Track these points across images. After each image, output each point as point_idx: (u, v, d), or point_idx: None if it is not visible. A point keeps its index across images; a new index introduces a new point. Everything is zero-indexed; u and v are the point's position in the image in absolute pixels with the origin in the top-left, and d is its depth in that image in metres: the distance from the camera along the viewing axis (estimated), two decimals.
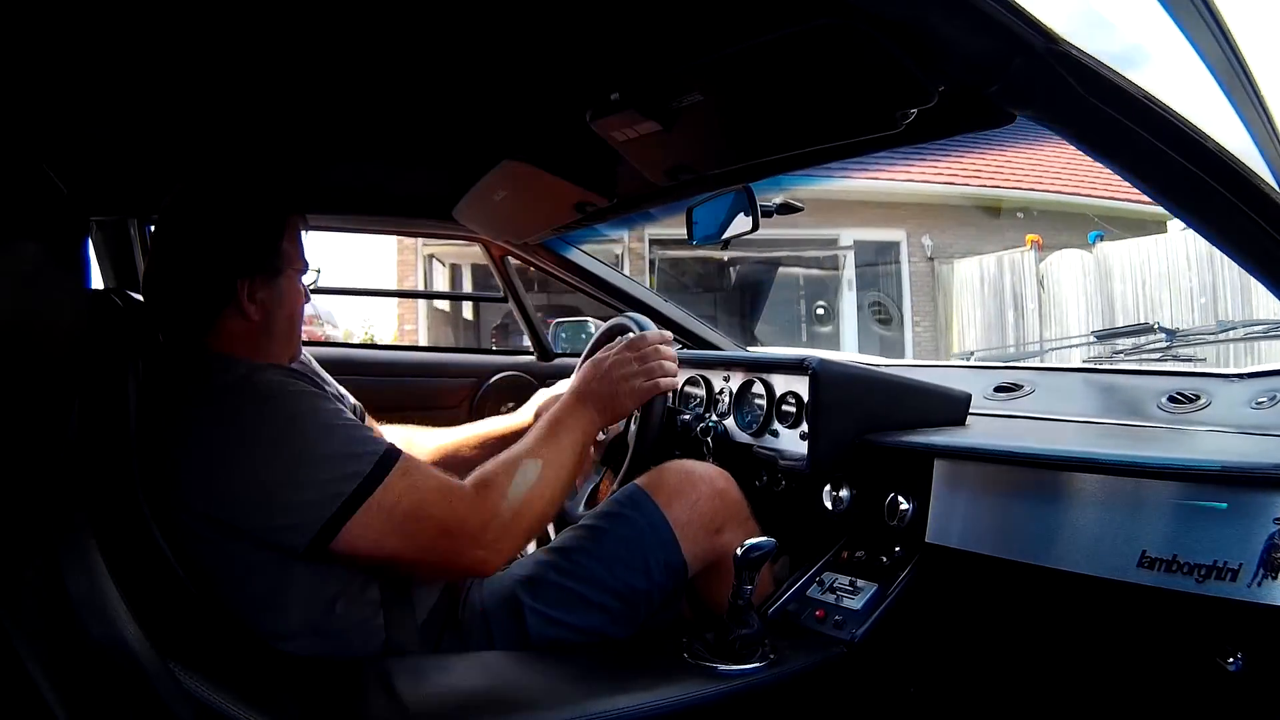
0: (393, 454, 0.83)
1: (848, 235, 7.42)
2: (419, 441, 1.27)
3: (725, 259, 7.42)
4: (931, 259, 7.31)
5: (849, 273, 7.48)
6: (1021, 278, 6.47)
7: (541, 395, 1.34)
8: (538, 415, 1.29)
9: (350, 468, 0.81)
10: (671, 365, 1.05)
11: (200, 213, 0.93)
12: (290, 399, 0.85)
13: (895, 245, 7.44)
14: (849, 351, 6.52)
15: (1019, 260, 6.48)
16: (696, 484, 1.03)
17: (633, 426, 1.22)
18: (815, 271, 7.66)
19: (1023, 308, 6.42)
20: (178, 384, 0.87)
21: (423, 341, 7.17)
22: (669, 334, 1.10)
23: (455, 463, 1.21)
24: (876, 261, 7.57)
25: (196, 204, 0.93)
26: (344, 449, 0.82)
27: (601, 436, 1.28)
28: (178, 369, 0.89)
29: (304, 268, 0.98)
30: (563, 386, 1.29)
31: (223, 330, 0.91)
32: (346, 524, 0.80)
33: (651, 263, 7.26)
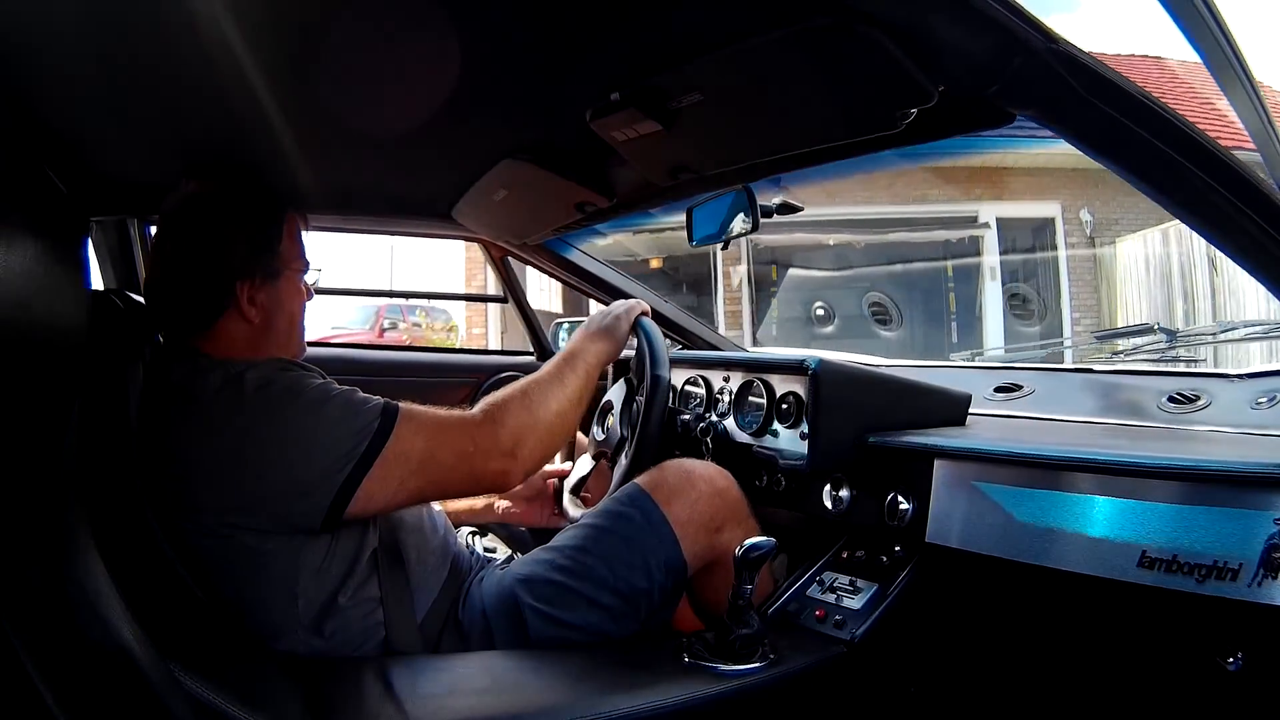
0: (392, 406, 0.87)
1: (988, 211, 5.91)
2: None
3: (849, 244, 6.19)
4: (1092, 238, 5.82)
5: (991, 258, 6.02)
6: (1190, 259, 5.03)
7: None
8: None
9: (357, 426, 0.84)
10: (639, 304, 1.21)
11: (199, 215, 0.94)
12: (282, 381, 0.86)
13: (1048, 223, 5.92)
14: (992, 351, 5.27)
15: (1187, 233, 4.77)
16: (696, 483, 1.03)
17: (624, 419, 1.22)
18: (938, 263, 6.18)
19: (1193, 296, 5.00)
20: (178, 389, 0.87)
21: (493, 346, 7.14)
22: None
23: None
24: (1024, 246, 6.04)
25: (195, 206, 0.94)
26: (345, 413, 0.85)
27: (602, 435, 1.28)
28: (178, 373, 0.89)
29: (304, 268, 0.99)
30: None
31: (222, 332, 0.92)
32: (362, 482, 0.83)
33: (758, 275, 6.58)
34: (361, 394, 0.89)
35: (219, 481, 0.82)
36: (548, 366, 1.04)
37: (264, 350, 0.93)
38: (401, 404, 0.89)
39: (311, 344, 1.11)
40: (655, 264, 6.85)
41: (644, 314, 1.19)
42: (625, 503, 1.01)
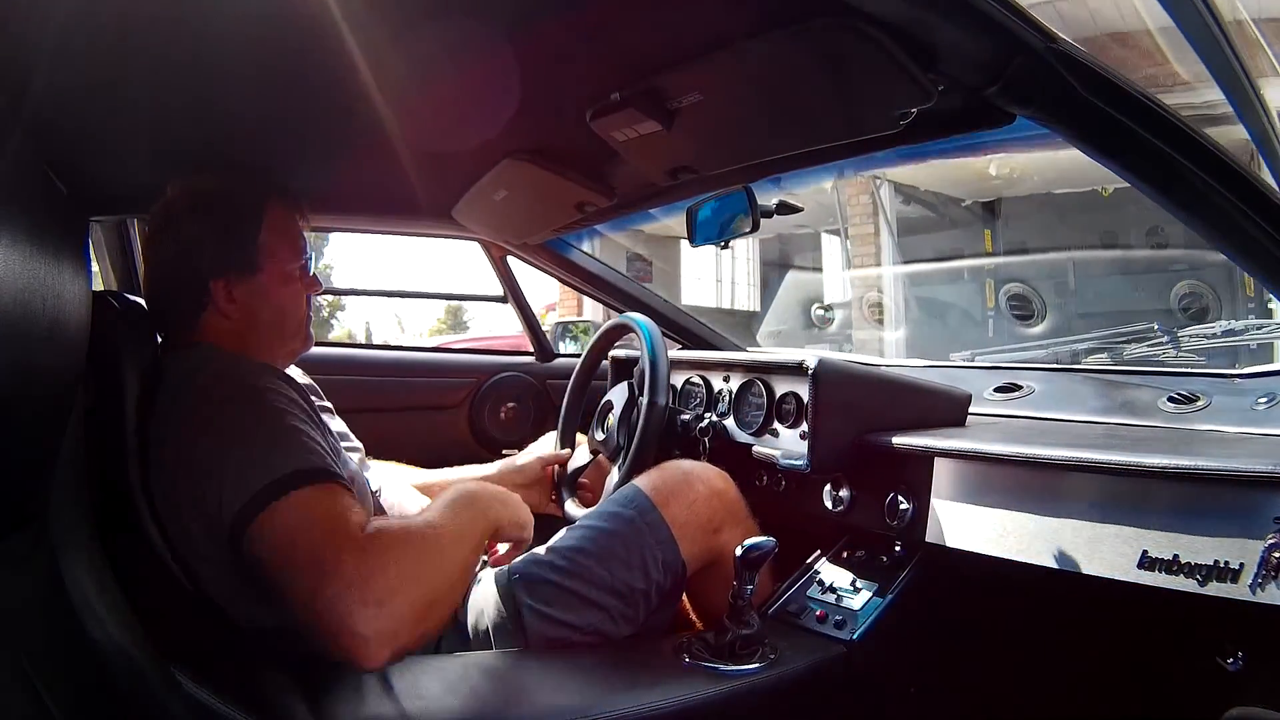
0: (317, 473, 0.77)
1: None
2: (401, 478, 1.24)
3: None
4: None
5: None
6: None
7: (545, 441, 1.34)
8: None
9: (270, 465, 0.76)
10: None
11: (170, 216, 0.95)
12: (260, 395, 0.84)
13: None
14: None
15: None
16: (694, 484, 1.03)
17: (623, 424, 1.23)
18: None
19: None
20: (167, 382, 0.87)
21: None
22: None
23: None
24: None
25: (169, 207, 0.95)
26: (273, 448, 0.78)
27: (601, 435, 1.28)
28: (169, 367, 0.89)
29: (296, 262, 0.98)
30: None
31: (208, 328, 0.93)
32: (253, 520, 0.75)
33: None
34: (310, 444, 0.80)
35: (179, 470, 0.81)
36: (446, 511, 0.84)
37: (253, 345, 0.93)
38: (333, 484, 0.78)
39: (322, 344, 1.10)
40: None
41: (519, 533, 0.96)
42: (624, 504, 1.01)
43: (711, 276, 8.42)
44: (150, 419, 0.85)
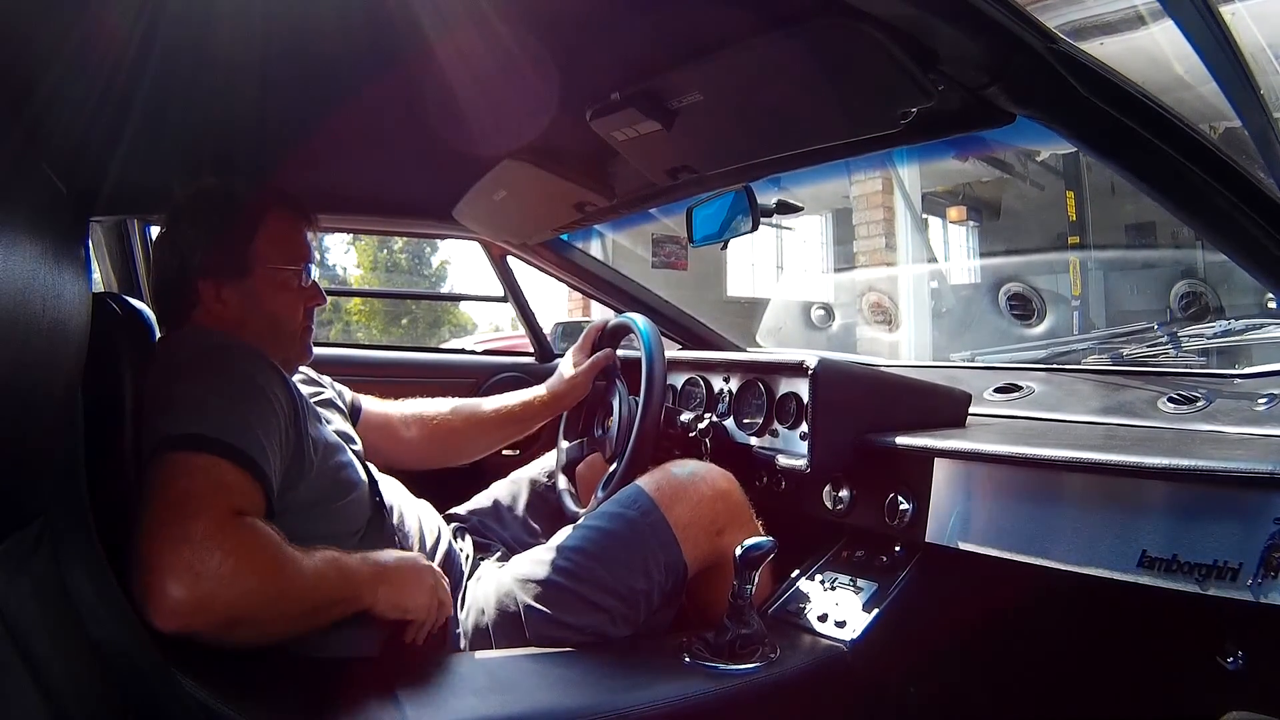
0: (229, 448, 0.76)
1: None
2: (426, 413, 1.30)
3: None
4: None
5: None
6: None
7: (566, 366, 1.34)
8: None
9: (193, 420, 0.76)
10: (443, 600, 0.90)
11: (176, 216, 0.96)
12: (234, 367, 0.84)
13: None
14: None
15: None
16: (699, 485, 1.03)
17: (623, 415, 1.22)
18: None
19: None
20: (158, 359, 0.88)
21: None
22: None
23: (477, 421, 1.29)
24: None
25: (176, 207, 0.97)
26: (204, 409, 0.78)
27: (599, 434, 1.28)
28: (162, 348, 0.91)
29: (294, 267, 0.98)
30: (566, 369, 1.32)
31: (201, 321, 0.94)
32: (153, 458, 0.75)
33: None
34: (245, 424, 0.79)
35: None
36: (332, 569, 0.80)
37: (242, 336, 0.93)
38: (227, 460, 0.75)
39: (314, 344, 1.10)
40: None
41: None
42: (626, 505, 1.01)
43: (771, 262, 7.61)
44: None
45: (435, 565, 0.92)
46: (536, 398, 1.31)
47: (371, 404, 1.25)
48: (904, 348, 4.33)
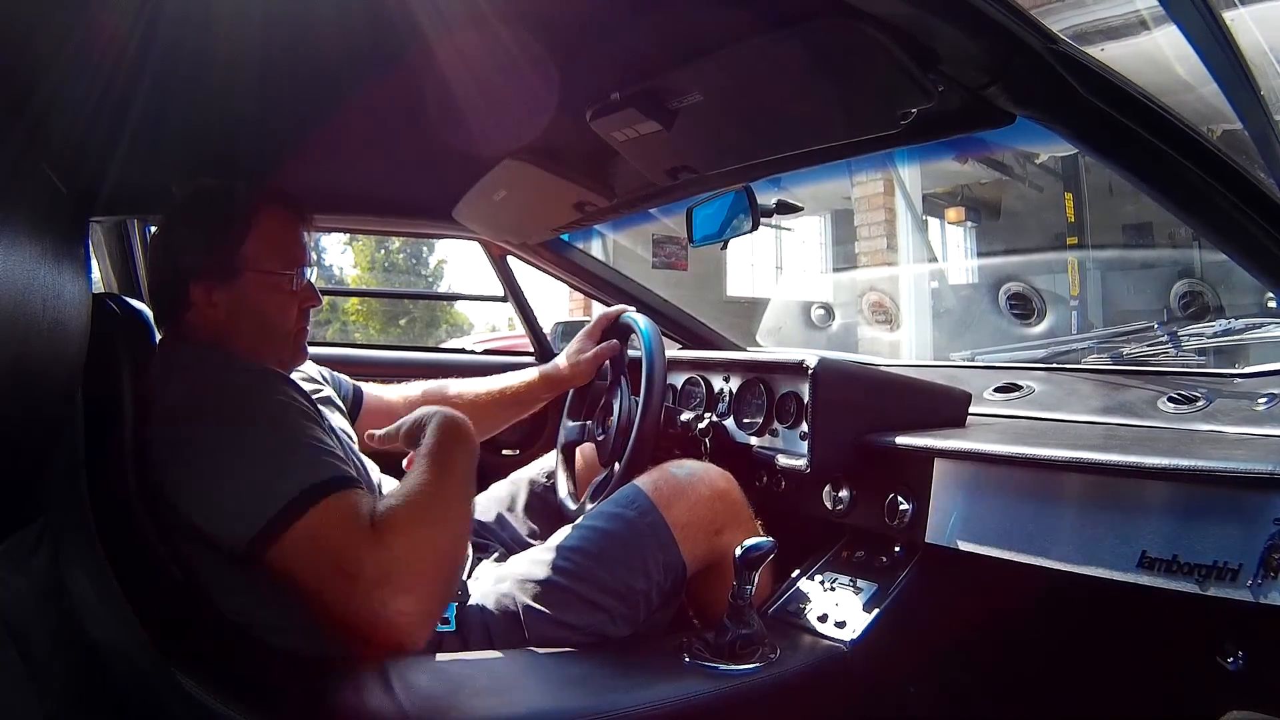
0: (325, 485, 0.78)
1: None
2: (450, 393, 1.33)
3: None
4: None
5: None
6: None
7: (577, 346, 1.35)
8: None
9: (280, 489, 0.77)
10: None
11: (170, 216, 0.96)
12: (255, 402, 0.83)
13: None
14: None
15: None
16: (697, 485, 1.03)
17: (622, 414, 1.22)
18: None
19: None
20: (164, 381, 0.87)
21: None
22: None
23: (478, 403, 1.31)
24: None
25: (172, 208, 0.97)
26: (279, 467, 0.78)
27: (601, 435, 1.28)
28: (164, 365, 0.90)
29: (286, 272, 0.96)
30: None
31: (194, 326, 0.94)
32: (270, 547, 0.76)
33: None
34: (317, 453, 0.80)
35: (178, 474, 0.81)
36: (431, 468, 0.84)
37: (239, 345, 0.93)
38: (330, 494, 0.77)
39: (312, 344, 1.10)
40: None
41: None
42: (625, 504, 1.01)
43: (771, 263, 7.65)
44: (148, 419, 0.85)
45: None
46: (538, 377, 1.34)
47: (372, 389, 1.27)
48: (905, 347, 4.35)
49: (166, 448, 0.82)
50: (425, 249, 12.47)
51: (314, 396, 1.07)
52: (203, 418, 0.82)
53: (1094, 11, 3.46)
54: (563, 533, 1.03)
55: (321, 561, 0.75)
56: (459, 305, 12.58)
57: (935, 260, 5.34)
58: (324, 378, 1.19)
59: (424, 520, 0.79)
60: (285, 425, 0.82)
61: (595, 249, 5.85)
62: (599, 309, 1.43)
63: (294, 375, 1.01)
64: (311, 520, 0.76)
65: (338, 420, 1.07)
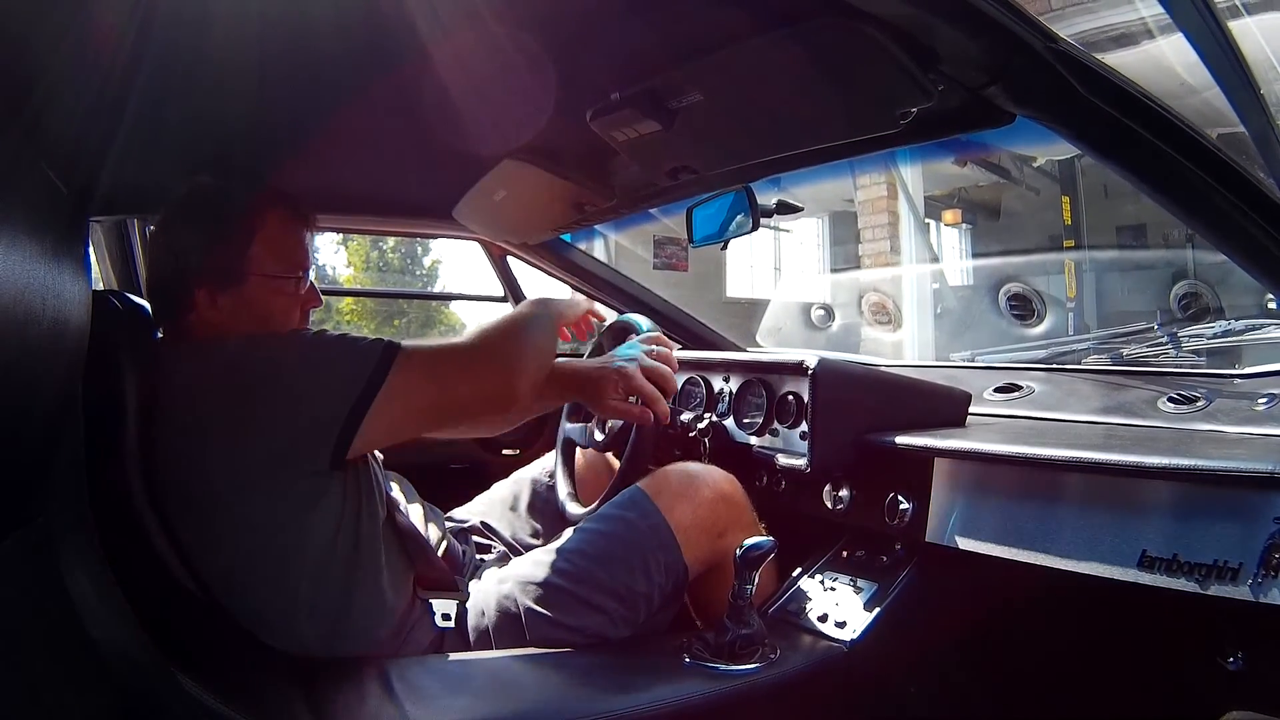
0: (393, 342, 0.89)
1: None
2: None
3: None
4: None
5: None
6: None
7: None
8: None
9: (357, 361, 0.86)
10: (667, 381, 1.08)
11: (166, 219, 0.96)
12: (283, 341, 0.91)
13: None
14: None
15: None
16: (700, 488, 1.03)
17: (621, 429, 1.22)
18: None
19: None
20: (176, 377, 0.87)
21: None
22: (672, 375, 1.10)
23: None
24: None
25: (172, 207, 0.96)
26: (343, 351, 0.88)
27: (601, 436, 1.28)
28: (173, 363, 0.90)
29: (290, 275, 0.96)
30: None
31: (198, 327, 0.93)
32: (366, 415, 0.85)
33: None
34: (358, 335, 0.91)
35: (228, 438, 0.83)
36: (520, 310, 1.07)
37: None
38: (404, 341, 0.90)
39: None
40: None
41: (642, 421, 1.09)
42: (626, 506, 1.01)
43: (769, 264, 7.74)
44: (156, 419, 0.85)
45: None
46: None
47: None
48: (907, 348, 4.40)
49: (202, 433, 0.84)
50: (420, 248, 12.44)
51: None
52: (243, 380, 0.86)
53: (1102, 15, 3.48)
54: (565, 534, 1.03)
55: (445, 390, 0.91)
56: (452, 305, 12.58)
57: (937, 261, 5.39)
58: None
59: (509, 331, 0.99)
60: (320, 333, 0.92)
61: (598, 249, 5.88)
62: (603, 310, 1.43)
63: None
64: (401, 377, 0.87)
65: None
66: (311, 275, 1.01)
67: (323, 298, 1.03)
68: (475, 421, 1.16)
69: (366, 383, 0.85)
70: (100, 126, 0.80)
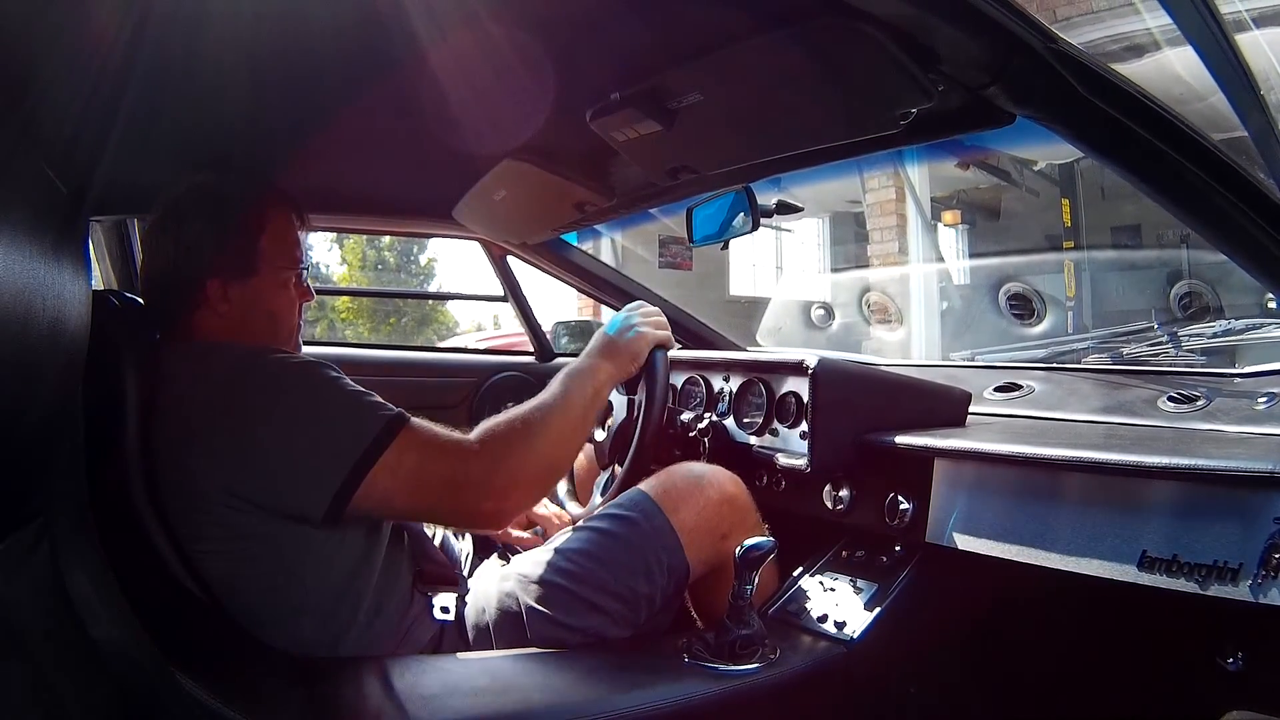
0: (400, 417, 0.86)
1: None
2: None
3: None
4: None
5: None
6: None
7: None
8: None
9: (359, 430, 0.84)
10: (665, 325, 1.11)
11: (171, 214, 0.95)
12: (296, 371, 0.87)
13: None
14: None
15: None
16: (705, 490, 1.03)
17: (622, 430, 1.22)
18: None
19: None
20: (178, 379, 0.87)
21: None
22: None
23: None
24: None
25: (170, 206, 0.95)
26: (352, 413, 0.85)
27: (602, 435, 1.28)
28: (175, 363, 0.89)
29: (295, 267, 0.98)
30: None
31: (202, 325, 0.94)
32: (359, 486, 0.82)
33: None
34: (374, 398, 0.88)
35: (226, 457, 0.82)
36: (553, 388, 0.96)
37: (243, 340, 0.93)
38: (412, 419, 0.87)
39: (310, 343, 1.10)
40: None
41: (663, 345, 1.09)
42: (630, 507, 1.01)
43: (771, 263, 7.81)
44: (157, 418, 0.85)
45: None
46: None
47: None
48: (915, 347, 4.51)
49: (203, 442, 0.83)
50: (416, 246, 12.43)
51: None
52: (248, 398, 0.84)
53: (1112, 25, 3.50)
54: (566, 533, 1.03)
55: (423, 484, 0.85)
56: (447, 304, 12.56)
57: (943, 261, 5.47)
58: None
59: (524, 438, 0.89)
60: (330, 380, 0.87)
61: (605, 249, 5.92)
62: (608, 312, 1.43)
63: None
64: (394, 455, 0.83)
65: None
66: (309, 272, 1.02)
67: (315, 295, 1.04)
68: (458, 529, 1.08)
69: (362, 455, 0.82)
70: (97, 125, 0.80)
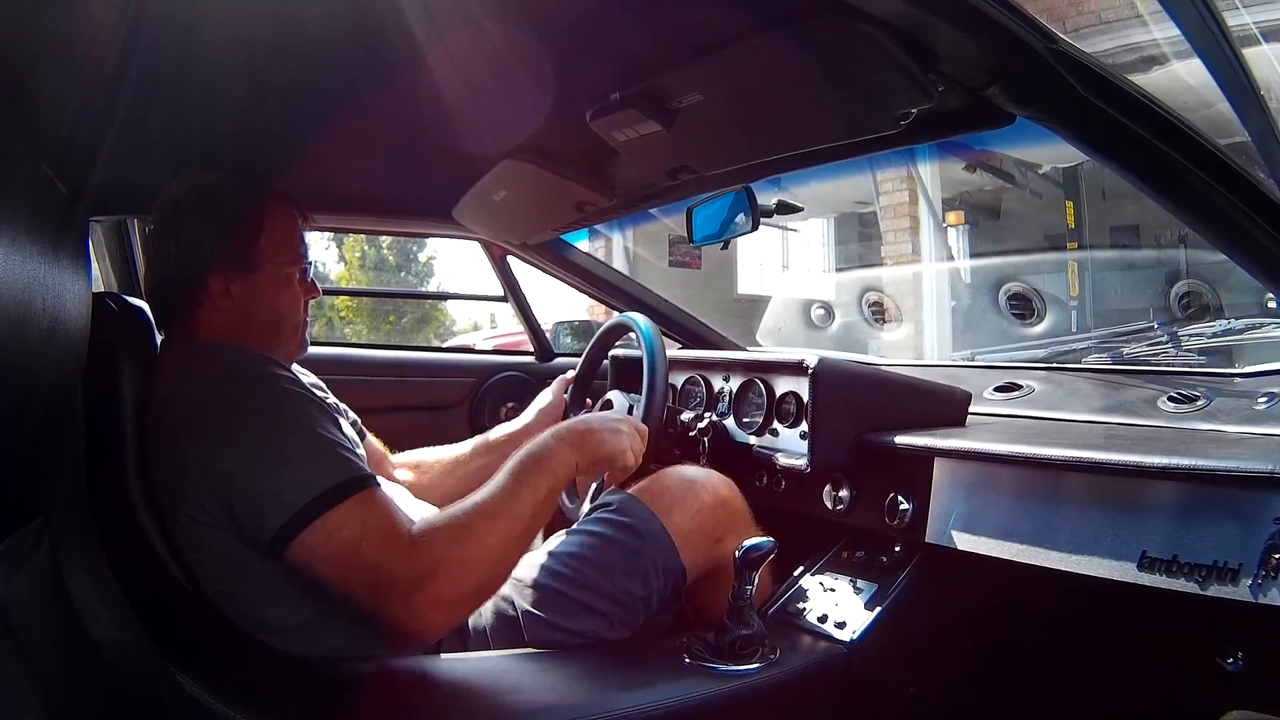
0: (355, 483, 0.79)
1: None
2: (427, 460, 1.29)
3: None
4: None
5: None
6: None
7: (544, 396, 1.34)
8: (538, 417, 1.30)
9: (313, 478, 0.78)
10: (640, 451, 0.95)
11: (172, 211, 0.95)
12: (280, 395, 0.85)
13: None
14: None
15: None
16: (699, 493, 1.03)
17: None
18: None
19: None
20: (173, 377, 0.88)
21: None
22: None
23: (463, 475, 1.23)
24: None
25: (171, 203, 0.96)
26: (314, 460, 0.80)
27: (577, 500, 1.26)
28: (172, 363, 0.90)
29: (297, 264, 0.99)
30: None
31: (205, 323, 0.94)
32: (299, 535, 0.76)
33: None
34: (347, 453, 0.82)
35: (201, 462, 0.81)
36: (505, 482, 0.83)
37: (250, 340, 0.93)
38: (378, 491, 0.80)
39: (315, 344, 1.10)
40: None
41: (626, 468, 0.94)
42: (624, 512, 1.01)
43: (777, 262, 7.86)
44: (151, 415, 0.85)
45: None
46: (524, 425, 1.31)
47: (372, 438, 1.23)
48: (928, 346, 4.60)
49: (187, 448, 0.82)
50: (415, 245, 12.42)
51: (325, 403, 1.07)
52: (230, 408, 0.83)
53: (1126, 35, 3.51)
54: (562, 537, 1.03)
55: (353, 562, 0.76)
56: (445, 303, 12.55)
57: (954, 260, 5.55)
58: (332, 397, 1.18)
59: (464, 538, 0.78)
60: (312, 419, 0.83)
61: (615, 250, 5.98)
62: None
63: (308, 382, 1.02)
64: (342, 517, 0.77)
65: (345, 427, 1.07)
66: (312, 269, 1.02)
67: (319, 292, 1.04)
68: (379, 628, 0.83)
69: (307, 503, 0.76)
70: (94, 124, 0.80)
